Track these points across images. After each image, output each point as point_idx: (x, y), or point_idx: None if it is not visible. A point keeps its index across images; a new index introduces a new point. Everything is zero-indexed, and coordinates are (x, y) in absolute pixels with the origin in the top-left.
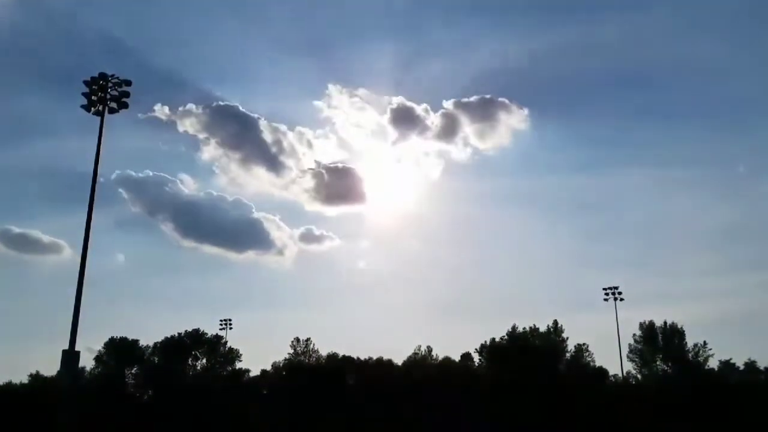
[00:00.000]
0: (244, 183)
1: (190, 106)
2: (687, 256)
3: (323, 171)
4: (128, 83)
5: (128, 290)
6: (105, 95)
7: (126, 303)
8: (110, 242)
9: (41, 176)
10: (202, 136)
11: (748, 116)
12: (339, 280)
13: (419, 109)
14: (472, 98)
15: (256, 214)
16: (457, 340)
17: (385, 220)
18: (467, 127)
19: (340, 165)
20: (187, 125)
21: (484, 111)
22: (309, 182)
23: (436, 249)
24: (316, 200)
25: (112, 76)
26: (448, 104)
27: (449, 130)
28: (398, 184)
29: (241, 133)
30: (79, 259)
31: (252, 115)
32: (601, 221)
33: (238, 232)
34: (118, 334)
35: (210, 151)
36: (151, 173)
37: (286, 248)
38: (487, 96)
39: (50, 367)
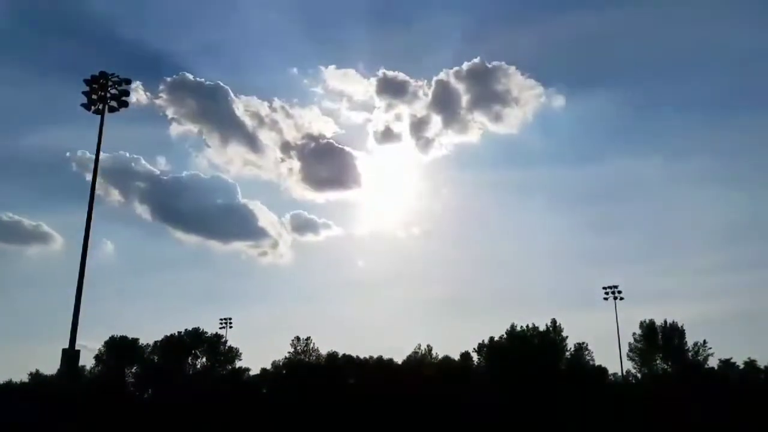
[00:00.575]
0: (221, 164)
1: (155, 79)
2: (691, 252)
3: (308, 152)
4: (128, 81)
5: (111, 285)
6: (105, 94)
7: (112, 298)
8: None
9: (13, 163)
10: (167, 112)
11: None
12: (329, 276)
13: (412, 83)
14: (473, 73)
15: (242, 200)
16: (457, 337)
17: (376, 209)
18: (464, 106)
19: (326, 144)
20: (149, 101)
21: (485, 87)
22: (294, 164)
23: (432, 240)
24: (302, 184)
25: (112, 74)
26: (445, 77)
27: (445, 108)
28: (391, 168)
29: (214, 109)
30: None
31: (212, 85)
32: (604, 215)
33: (225, 219)
34: (104, 330)
35: (180, 129)
36: (107, 154)
37: (280, 238)
38: (487, 65)
39: (50, 366)
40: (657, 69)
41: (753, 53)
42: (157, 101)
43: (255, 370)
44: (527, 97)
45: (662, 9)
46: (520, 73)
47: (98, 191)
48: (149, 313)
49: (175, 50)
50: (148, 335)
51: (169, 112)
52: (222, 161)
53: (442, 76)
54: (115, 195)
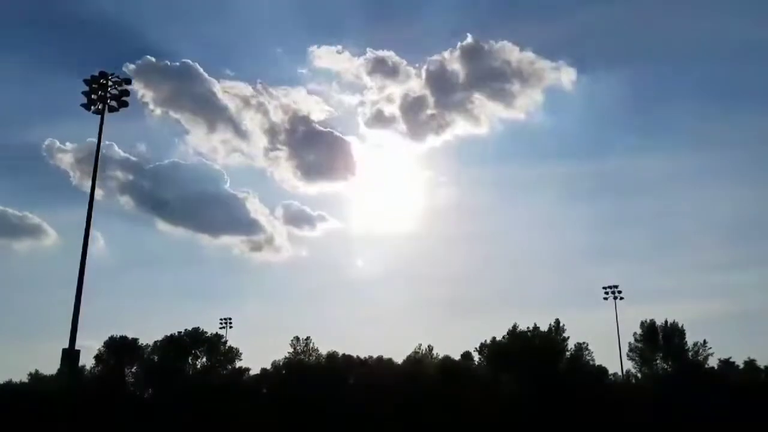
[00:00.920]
0: (206, 152)
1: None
2: (691, 251)
3: (297, 138)
4: (128, 81)
5: (103, 282)
6: (105, 94)
7: (104, 295)
8: (60, 226)
9: None
10: (140, 97)
11: None
12: (325, 273)
13: (404, 62)
14: (470, 51)
15: (232, 190)
16: (458, 336)
17: (371, 202)
18: (462, 85)
19: (316, 129)
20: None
21: (484, 65)
22: (283, 150)
23: (430, 236)
24: (293, 172)
25: (113, 74)
26: (440, 57)
27: (441, 90)
28: (384, 156)
29: (192, 92)
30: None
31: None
32: (606, 212)
33: (215, 211)
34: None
35: (157, 114)
36: (74, 144)
37: (275, 231)
38: (484, 43)
39: (50, 366)
40: (663, 58)
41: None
42: (129, 86)
43: (255, 370)
44: (530, 72)
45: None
46: (519, 48)
47: (74, 182)
48: (144, 312)
49: (151, 31)
50: (142, 333)
51: (143, 97)
52: (206, 149)
53: (436, 57)
54: (89, 187)
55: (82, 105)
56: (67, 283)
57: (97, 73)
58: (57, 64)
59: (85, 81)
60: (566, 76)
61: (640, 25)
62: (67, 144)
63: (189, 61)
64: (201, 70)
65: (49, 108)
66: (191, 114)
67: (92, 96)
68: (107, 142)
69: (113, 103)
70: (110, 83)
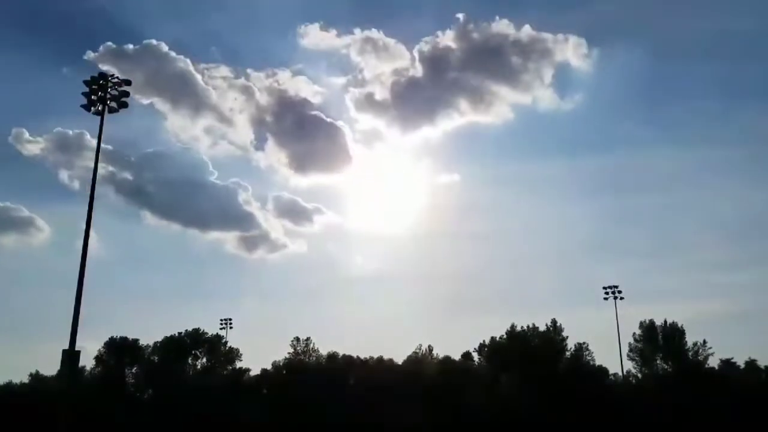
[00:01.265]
0: (189, 140)
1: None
2: (691, 250)
3: (285, 126)
4: (128, 83)
5: (96, 281)
6: (105, 95)
7: (98, 295)
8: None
9: None
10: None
11: None
12: (319, 271)
13: (394, 42)
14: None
15: (221, 182)
16: (459, 335)
17: (366, 195)
18: (457, 70)
19: (306, 114)
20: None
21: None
22: (271, 139)
23: (429, 235)
24: (284, 162)
25: (112, 76)
26: (434, 38)
27: (436, 74)
28: (378, 146)
29: (172, 77)
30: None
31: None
32: (608, 209)
33: (206, 205)
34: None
35: (135, 102)
36: (42, 137)
37: (268, 225)
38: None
39: (50, 367)
40: (669, 49)
41: None
42: (104, 67)
43: (255, 371)
44: (532, 50)
45: None
46: (515, 26)
47: (51, 171)
48: (142, 311)
49: (127, 13)
50: (139, 332)
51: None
52: (188, 136)
53: (430, 36)
54: (65, 178)
55: (82, 106)
56: (58, 277)
57: (97, 75)
58: (32, 54)
59: (85, 82)
60: (574, 51)
61: (644, 15)
62: (36, 136)
63: (154, 41)
64: (166, 47)
65: (14, 98)
66: (170, 100)
67: (92, 97)
68: (79, 131)
69: (113, 104)
70: (110, 84)
